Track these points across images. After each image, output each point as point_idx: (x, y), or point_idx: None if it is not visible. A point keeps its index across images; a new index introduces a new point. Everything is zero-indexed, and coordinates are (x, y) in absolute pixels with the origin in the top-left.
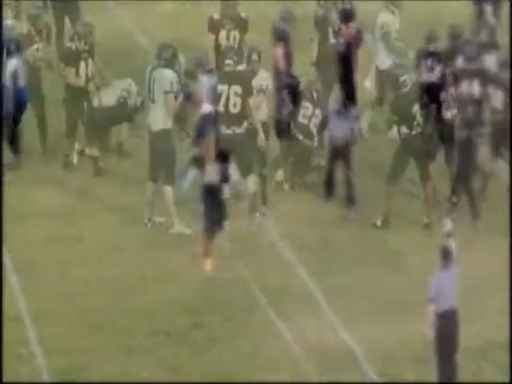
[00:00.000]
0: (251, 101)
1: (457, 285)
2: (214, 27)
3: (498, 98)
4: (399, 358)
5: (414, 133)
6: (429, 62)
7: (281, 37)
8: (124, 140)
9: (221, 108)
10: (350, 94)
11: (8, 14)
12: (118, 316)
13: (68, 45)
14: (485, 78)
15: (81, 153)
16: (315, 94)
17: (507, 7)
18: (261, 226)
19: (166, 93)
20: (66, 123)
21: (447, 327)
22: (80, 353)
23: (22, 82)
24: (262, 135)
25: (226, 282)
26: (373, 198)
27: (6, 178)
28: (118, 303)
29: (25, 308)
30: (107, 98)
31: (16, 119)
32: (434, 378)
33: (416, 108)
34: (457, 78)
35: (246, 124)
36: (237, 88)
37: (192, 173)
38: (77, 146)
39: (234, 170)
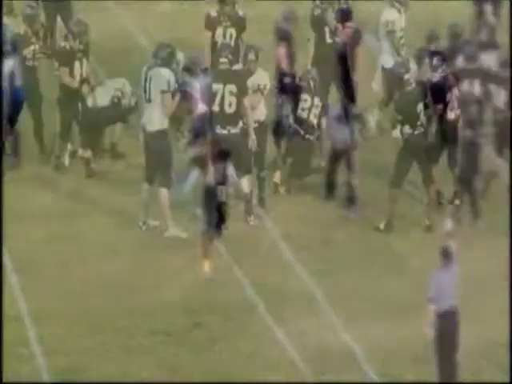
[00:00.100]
0: (246, 100)
1: (457, 285)
2: (211, 24)
3: (500, 98)
4: (399, 358)
5: (416, 133)
6: (434, 61)
7: (283, 37)
8: (118, 141)
9: (216, 108)
10: (348, 95)
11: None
12: (118, 316)
13: (62, 44)
14: (485, 77)
15: (73, 154)
16: (312, 83)
17: (507, 7)
18: (260, 226)
19: (163, 92)
20: (61, 124)
21: (447, 327)
22: (80, 353)
23: (18, 82)
24: (253, 136)
25: (225, 282)
26: (375, 199)
27: (6, 177)
28: (117, 303)
29: (25, 308)
30: (101, 97)
31: (12, 119)
32: (434, 377)
33: (420, 107)
34: (457, 78)
35: (241, 124)
36: (232, 87)
37: (194, 174)
38: (69, 147)
39: (232, 171)
